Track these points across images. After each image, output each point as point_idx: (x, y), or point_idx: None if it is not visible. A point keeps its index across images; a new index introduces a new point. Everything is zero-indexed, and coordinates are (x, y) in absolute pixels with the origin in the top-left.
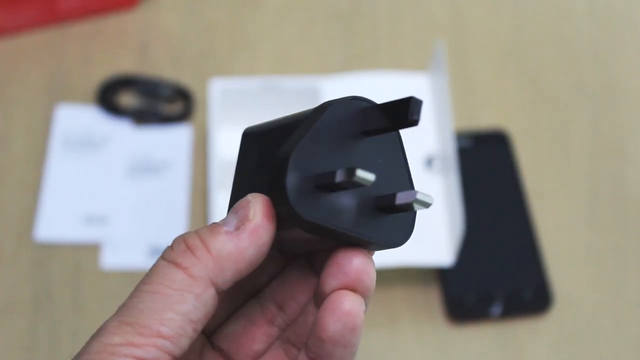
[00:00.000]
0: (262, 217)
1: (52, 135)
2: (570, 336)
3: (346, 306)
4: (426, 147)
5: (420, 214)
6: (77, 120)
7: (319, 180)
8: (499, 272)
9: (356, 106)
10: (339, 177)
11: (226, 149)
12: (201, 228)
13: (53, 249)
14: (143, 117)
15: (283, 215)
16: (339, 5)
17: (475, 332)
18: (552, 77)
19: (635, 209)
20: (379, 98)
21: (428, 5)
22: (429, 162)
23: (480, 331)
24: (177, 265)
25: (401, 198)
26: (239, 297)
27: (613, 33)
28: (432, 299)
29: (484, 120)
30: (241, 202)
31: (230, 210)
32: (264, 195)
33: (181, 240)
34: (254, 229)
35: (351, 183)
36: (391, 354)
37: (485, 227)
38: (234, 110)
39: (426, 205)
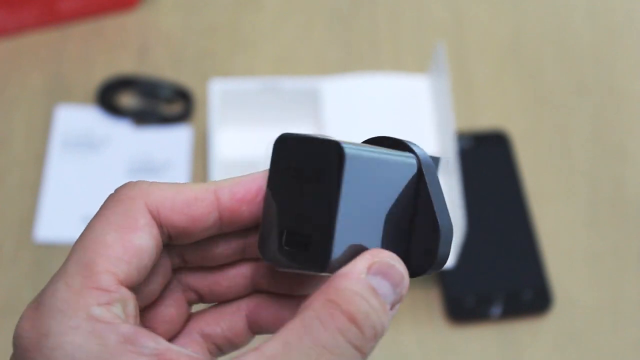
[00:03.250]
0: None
1: (52, 136)
2: (570, 336)
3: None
4: (426, 149)
5: None
6: (77, 121)
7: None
8: (499, 272)
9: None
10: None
11: (226, 150)
12: (372, 299)
13: (53, 250)
14: (143, 117)
15: None
16: (339, 5)
17: (475, 332)
18: (552, 77)
19: (635, 209)
20: (379, 99)
21: (428, 6)
22: None
23: (480, 332)
24: (363, 353)
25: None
26: None
27: (613, 33)
28: (432, 299)
29: (484, 120)
30: (397, 275)
31: (383, 275)
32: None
33: (370, 326)
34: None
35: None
36: (391, 354)
37: (485, 227)
38: (234, 110)
39: None
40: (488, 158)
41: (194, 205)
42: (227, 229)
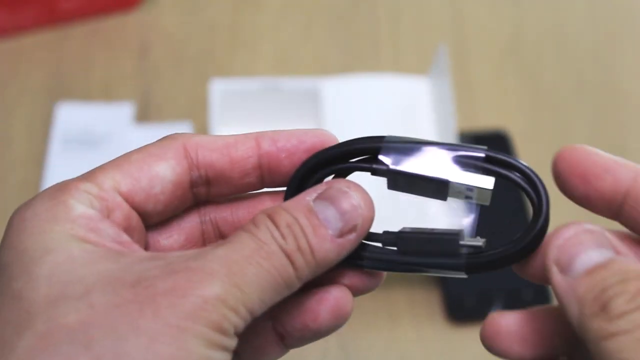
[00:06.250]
0: (364, 232)
1: (52, 135)
2: None
3: (349, 309)
4: None
5: (421, 215)
6: (77, 119)
7: None
8: (499, 272)
9: None
10: None
11: None
12: (301, 217)
13: None
14: None
15: None
16: (339, 5)
17: (475, 332)
18: (552, 77)
19: None
20: (379, 100)
21: (428, 6)
22: None
23: None
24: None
25: None
26: None
27: (613, 33)
28: (432, 299)
29: (484, 120)
30: (345, 203)
31: (330, 200)
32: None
33: (290, 234)
34: (355, 241)
35: None
36: (391, 354)
37: (485, 227)
38: (234, 110)
39: None
40: None
41: (234, 147)
42: (268, 182)
